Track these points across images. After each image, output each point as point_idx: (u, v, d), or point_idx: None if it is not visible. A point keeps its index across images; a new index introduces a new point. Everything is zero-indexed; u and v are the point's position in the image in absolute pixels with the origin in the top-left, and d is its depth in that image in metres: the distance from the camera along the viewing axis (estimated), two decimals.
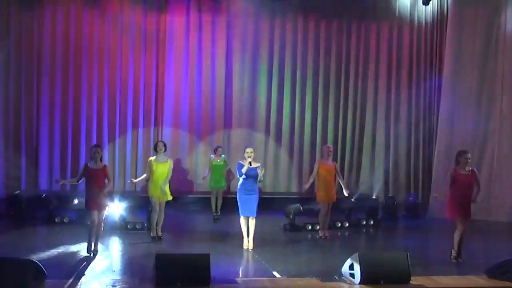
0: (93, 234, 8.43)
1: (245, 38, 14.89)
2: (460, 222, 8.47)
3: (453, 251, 8.56)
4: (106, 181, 8.47)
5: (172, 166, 9.75)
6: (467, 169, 8.49)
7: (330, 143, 14.74)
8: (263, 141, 14.97)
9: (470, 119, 13.19)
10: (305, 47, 15.07)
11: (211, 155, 12.36)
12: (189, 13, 14.58)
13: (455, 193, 8.47)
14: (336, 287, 6.91)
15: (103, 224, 8.64)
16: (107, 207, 8.64)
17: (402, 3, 15.12)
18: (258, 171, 8.95)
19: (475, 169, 8.70)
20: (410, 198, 13.83)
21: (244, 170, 8.89)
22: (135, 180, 10.35)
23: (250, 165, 8.96)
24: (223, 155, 12.32)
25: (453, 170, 8.52)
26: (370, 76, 15.23)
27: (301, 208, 11.06)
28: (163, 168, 9.59)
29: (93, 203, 8.36)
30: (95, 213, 8.39)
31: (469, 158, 8.51)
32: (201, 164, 14.24)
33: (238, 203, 9.08)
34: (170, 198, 9.74)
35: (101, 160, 8.55)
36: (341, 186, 10.30)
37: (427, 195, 14.04)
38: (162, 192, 9.53)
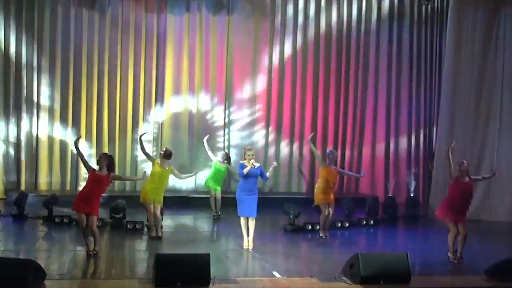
0: (87, 235, 8.30)
1: (245, 36, 14.90)
2: (452, 226, 8.53)
3: (449, 254, 8.58)
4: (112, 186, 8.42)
5: (172, 173, 9.81)
6: (466, 178, 8.59)
7: (330, 142, 14.80)
8: (263, 141, 14.97)
9: (470, 118, 13.17)
10: (305, 46, 15.08)
11: (217, 158, 12.18)
12: (189, 11, 14.60)
13: (454, 197, 8.55)
14: (336, 287, 6.91)
15: (96, 229, 8.32)
16: (95, 215, 8.27)
17: (403, 2, 15.20)
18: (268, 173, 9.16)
19: (472, 177, 8.79)
20: (410, 198, 13.81)
21: (246, 171, 8.85)
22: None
23: (253, 166, 8.95)
24: (226, 162, 12.10)
25: (455, 179, 8.59)
26: (370, 75, 15.27)
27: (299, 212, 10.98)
28: (164, 174, 9.64)
29: (83, 205, 8.18)
30: (83, 215, 8.18)
31: (463, 169, 8.57)
32: (201, 163, 14.22)
33: (237, 203, 9.06)
34: (161, 203, 9.76)
35: (109, 169, 8.33)
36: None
37: (427, 195, 14.04)
38: (158, 196, 9.61)
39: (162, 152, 9.88)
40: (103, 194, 8.58)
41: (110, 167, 8.37)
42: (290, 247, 9.59)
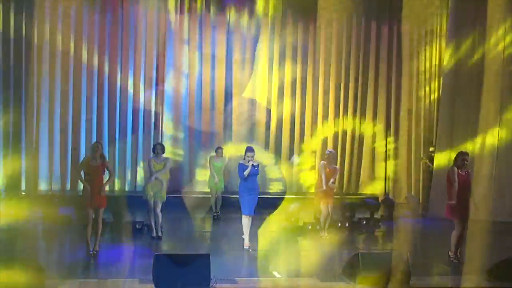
0: (91, 234, 8.36)
1: (246, 38, 14.91)
2: (458, 223, 8.52)
3: (450, 253, 8.58)
4: (106, 175, 8.47)
5: (169, 165, 9.83)
6: (464, 170, 8.57)
7: (330, 143, 14.81)
8: (263, 141, 14.98)
9: (470, 118, 13.18)
10: (305, 48, 15.10)
11: (212, 155, 12.23)
12: (190, 12, 14.61)
13: (456, 193, 8.54)
14: (336, 287, 6.91)
15: (101, 224, 8.49)
16: (103, 206, 8.47)
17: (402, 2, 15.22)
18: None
19: (470, 171, 8.80)
20: (410, 198, 13.84)
21: (246, 173, 8.89)
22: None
23: (253, 166, 8.98)
24: (222, 157, 12.12)
25: (455, 170, 8.56)
26: (370, 76, 15.28)
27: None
28: (159, 168, 9.66)
29: (92, 200, 8.28)
30: (90, 211, 8.32)
31: (467, 160, 8.59)
32: (202, 164, 14.22)
33: (241, 202, 9.06)
34: (164, 198, 9.79)
35: (101, 157, 8.47)
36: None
37: (427, 195, 14.05)
38: (158, 191, 9.60)
39: (154, 149, 9.90)
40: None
41: (102, 155, 8.50)
42: (290, 247, 9.59)
